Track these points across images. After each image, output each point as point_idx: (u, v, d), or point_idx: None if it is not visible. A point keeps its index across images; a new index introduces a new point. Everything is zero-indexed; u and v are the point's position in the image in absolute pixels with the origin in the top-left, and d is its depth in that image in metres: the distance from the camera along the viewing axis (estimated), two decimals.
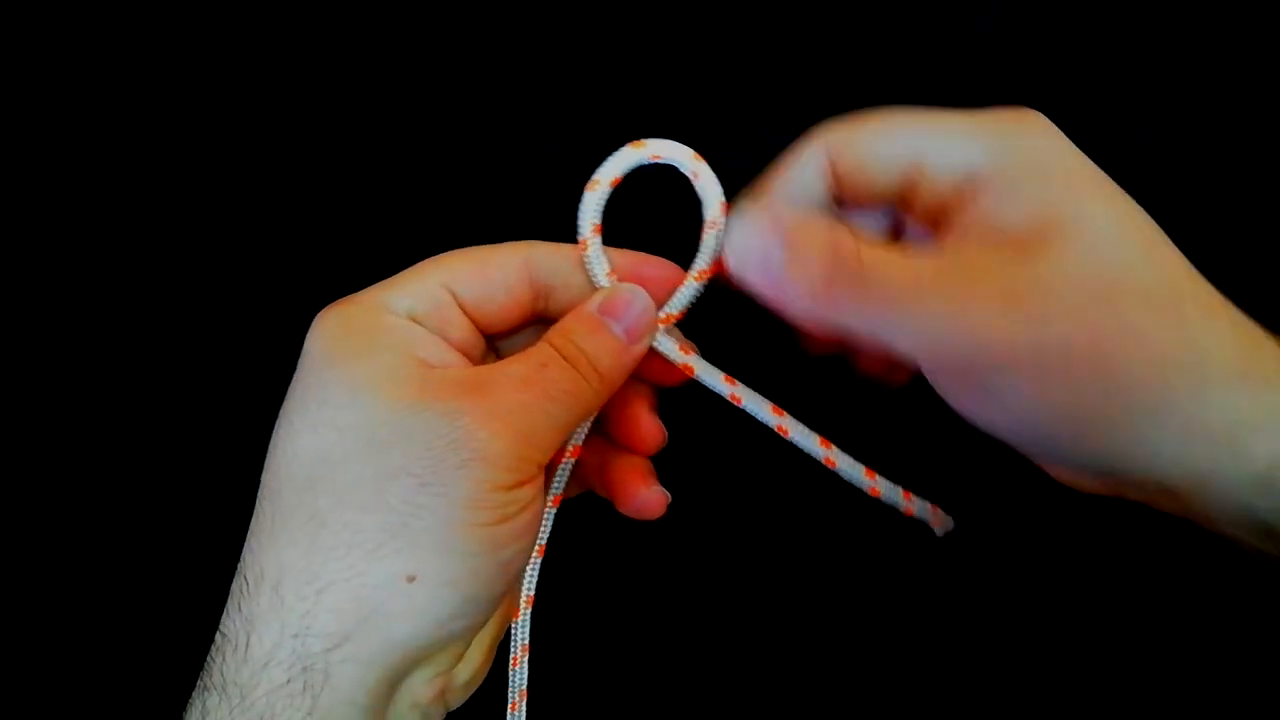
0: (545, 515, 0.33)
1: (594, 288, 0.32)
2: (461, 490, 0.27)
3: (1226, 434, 0.26)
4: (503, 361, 0.30)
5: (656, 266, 0.32)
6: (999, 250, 0.28)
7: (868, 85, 0.41)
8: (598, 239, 0.32)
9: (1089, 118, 0.39)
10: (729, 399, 0.33)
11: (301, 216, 0.42)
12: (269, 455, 0.29)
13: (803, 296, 0.29)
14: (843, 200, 0.32)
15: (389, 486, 0.27)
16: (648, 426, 0.34)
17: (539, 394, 0.28)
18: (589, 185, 0.32)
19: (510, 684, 0.34)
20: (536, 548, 0.34)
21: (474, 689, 0.32)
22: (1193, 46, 0.41)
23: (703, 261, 0.32)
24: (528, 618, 0.34)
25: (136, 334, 0.41)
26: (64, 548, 0.40)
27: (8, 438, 0.41)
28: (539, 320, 0.33)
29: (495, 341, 0.33)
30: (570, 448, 0.33)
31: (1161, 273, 0.28)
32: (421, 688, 0.29)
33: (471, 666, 0.31)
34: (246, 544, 0.28)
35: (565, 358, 0.29)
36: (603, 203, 0.32)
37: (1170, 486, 0.27)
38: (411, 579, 0.27)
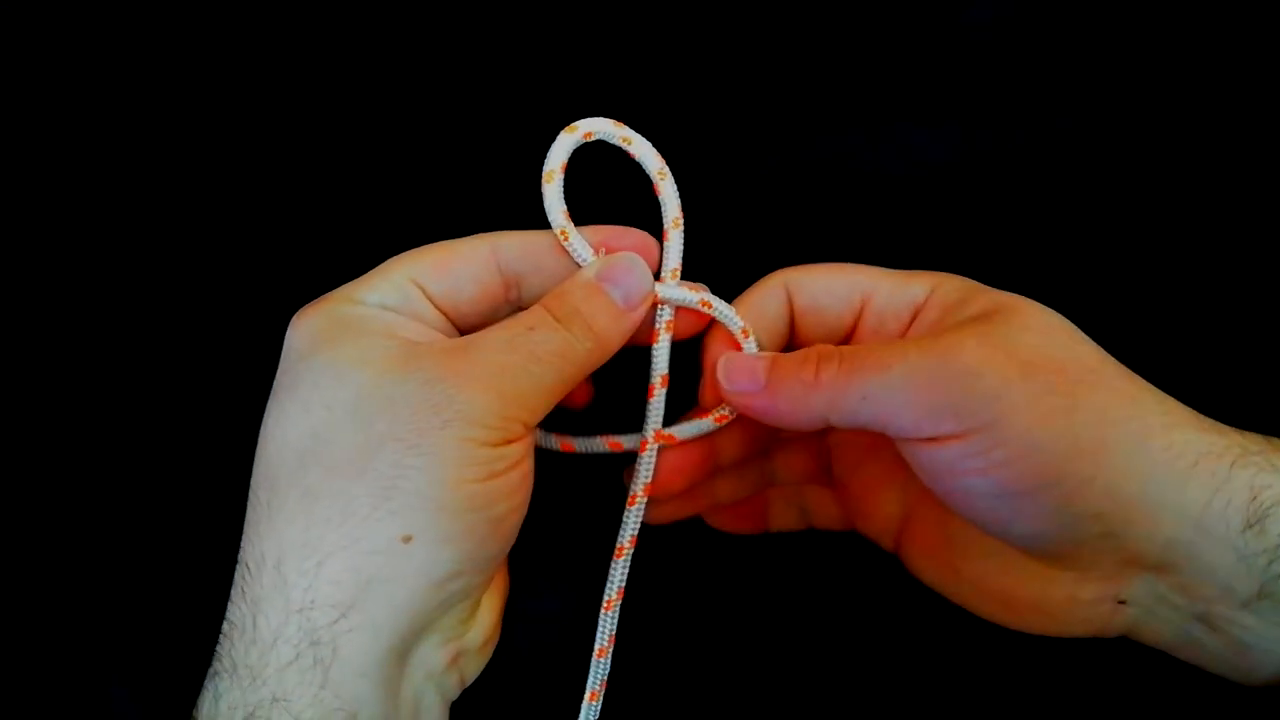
0: (639, 506, 0.34)
1: (576, 266, 0.32)
2: (446, 449, 0.27)
3: (1208, 468, 0.28)
4: (489, 327, 0.30)
5: (632, 236, 0.33)
6: (960, 324, 0.30)
7: (851, 79, 0.42)
8: (571, 225, 0.33)
9: (1077, 110, 0.41)
10: (739, 334, 0.34)
11: (284, 215, 0.41)
12: (260, 444, 0.29)
13: (792, 388, 0.31)
14: (793, 340, 0.34)
15: (377, 454, 0.27)
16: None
17: (522, 355, 0.29)
18: (544, 179, 0.32)
19: (591, 675, 0.34)
20: (629, 538, 0.34)
21: (487, 656, 0.32)
22: (1185, 39, 0.41)
23: (672, 210, 0.33)
24: (617, 611, 0.34)
25: (124, 332, 0.41)
26: (58, 549, 0.40)
27: None
28: (514, 311, 0.33)
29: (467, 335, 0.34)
30: (652, 433, 0.34)
31: (1095, 347, 0.30)
32: (433, 655, 0.29)
33: (483, 631, 0.31)
34: (244, 534, 0.29)
35: (557, 318, 0.30)
36: (561, 190, 0.33)
37: (1158, 543, 0.28)
38: (407, 539, 0.27)
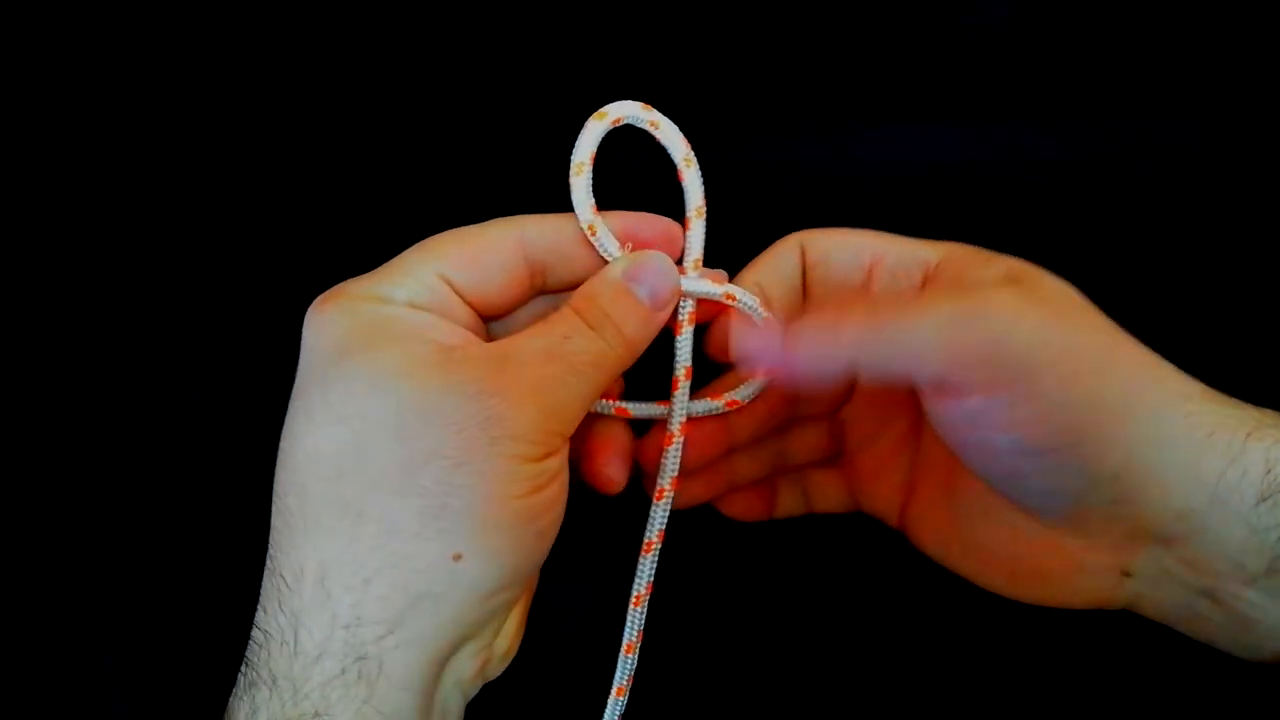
0: (666, 500, 0.34)
1: (601, 259, 0.32)
2: (495, 467, 0.27)
3: (1224, 439, 0.28)
4: (523, 334, 0.30)
5: (656, 224, 0.32)
6: (988, 280, 0.30)
7: (852, 78, 0.42)
8: (599, 218, 0.32)
9: (1080, 114, 0.41)
10: (763, 322, 0.33)
11: (294, 200, 0.41)
12: (285, 452, 0.28)
13: (814, 345, 0.30)
14: (806, 302, 0.34)
15: (423, 471, 0.27)
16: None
17: (562, 367, 0.29)
18: (573, 171, 0.32)
19: (619, 671, 0.34)
20: (657, 533, 0.34)
21: (510, 660, 0.31)
22: (1192, 43, 0.41)
23: (695, 198, 0.33)
24: (646, 607, 0.34)
25: (128, 331, 0.41)
26: (61, 559, 0.39)
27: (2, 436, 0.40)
28: (538, 296, 0.33)
29: (492, 323, 0.33)
30: (678, 426, 0.34)
31: (1110, 321, 0.30)
32: (466, 664, 0.29)
33: (508, 637, 0.31)
34: (274, 542, 0.28)
35: (590, 324, 0.30)
36: (590, 182, 0.32)
37: (1171, 512, 0.28)
38: (458, 557, 0.27)
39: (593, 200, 0.32)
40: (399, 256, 0.31)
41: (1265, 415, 0.29)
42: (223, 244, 0.41)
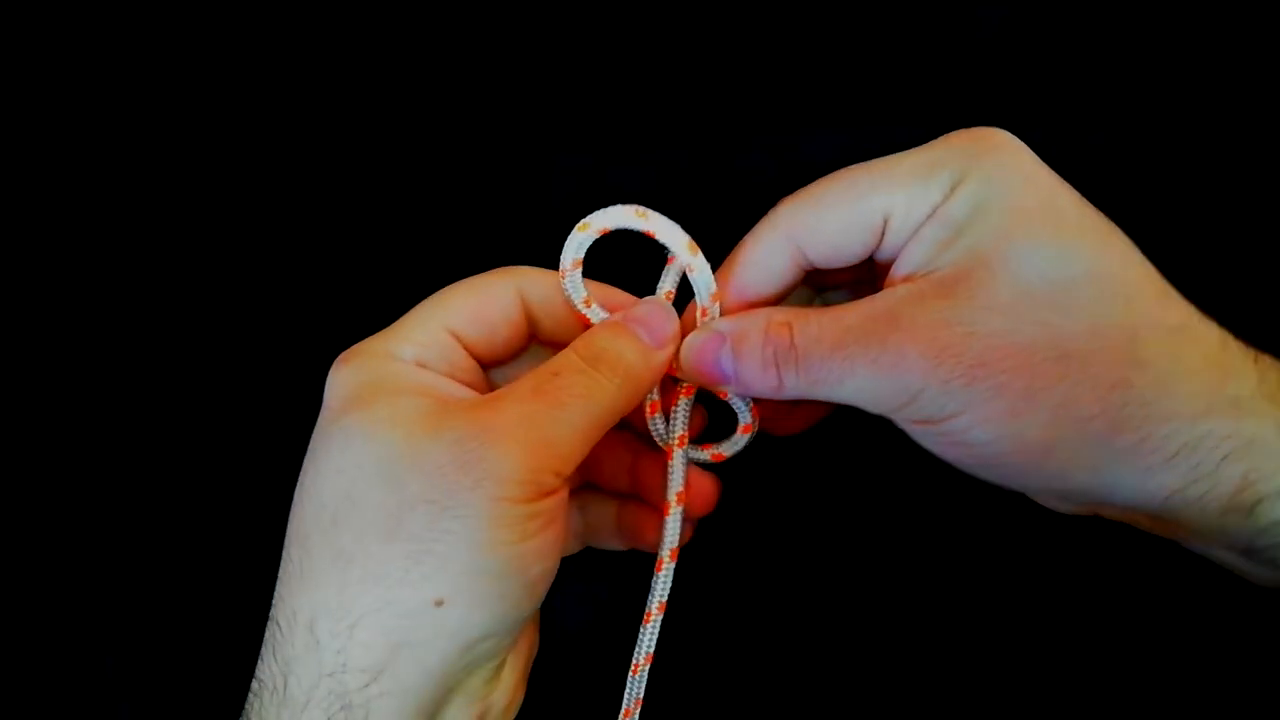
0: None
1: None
2: (479, 510, 0.27)
3: (1190, 461, 0.27)
4: (518, 379, 0.30)
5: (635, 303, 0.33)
6: (923, 293, 0.28)
7: (870, 80, 0.41)
8: (592, 308, 0.32)
9: (1084, 115, 0.41)
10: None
11: (317, 240, 0.42)
12: (294, 503, 0.29)
13: (757, 385, 0.31)
14: (815, 277, 0.33)
15: (409, 516, 0.27)
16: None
17: (548, 401, 0.29)
18: (579, 226, 0.31)
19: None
20: (657, 604, 0.34)
21: (512, 716, 0.32)
22: (1196, 45, 0.41)
23: (703, 297, 0.32)
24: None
25: (140, 340, 0.42)
26: (70, 564, 0.40)
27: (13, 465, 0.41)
28: (534, 344, 0.34)
29: (492, 370, 0.34)
30: (674, 495, 0.34)
31: (1113, 303, 0.28)
32: (460, 717, 0.29)
33: (507, 692, 0.31)
34: (276, 591, 0.29)
35: (585, 359, 0.30)
36: (585, 245, 0.32)
37: (1138, 507, 0.28)
38: (439, 603, 0.27)
39: (585, 294, 0.32)
40: (412, 310, 0.32)
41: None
42: (244, 257, 0.42)
